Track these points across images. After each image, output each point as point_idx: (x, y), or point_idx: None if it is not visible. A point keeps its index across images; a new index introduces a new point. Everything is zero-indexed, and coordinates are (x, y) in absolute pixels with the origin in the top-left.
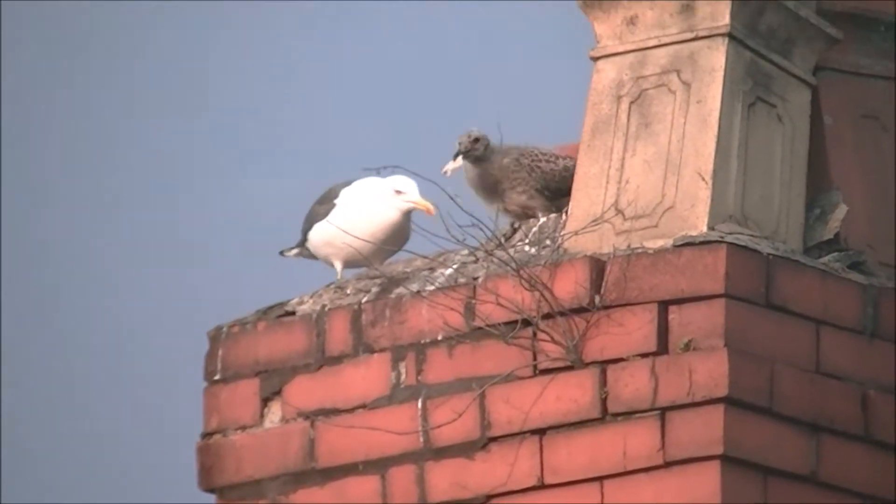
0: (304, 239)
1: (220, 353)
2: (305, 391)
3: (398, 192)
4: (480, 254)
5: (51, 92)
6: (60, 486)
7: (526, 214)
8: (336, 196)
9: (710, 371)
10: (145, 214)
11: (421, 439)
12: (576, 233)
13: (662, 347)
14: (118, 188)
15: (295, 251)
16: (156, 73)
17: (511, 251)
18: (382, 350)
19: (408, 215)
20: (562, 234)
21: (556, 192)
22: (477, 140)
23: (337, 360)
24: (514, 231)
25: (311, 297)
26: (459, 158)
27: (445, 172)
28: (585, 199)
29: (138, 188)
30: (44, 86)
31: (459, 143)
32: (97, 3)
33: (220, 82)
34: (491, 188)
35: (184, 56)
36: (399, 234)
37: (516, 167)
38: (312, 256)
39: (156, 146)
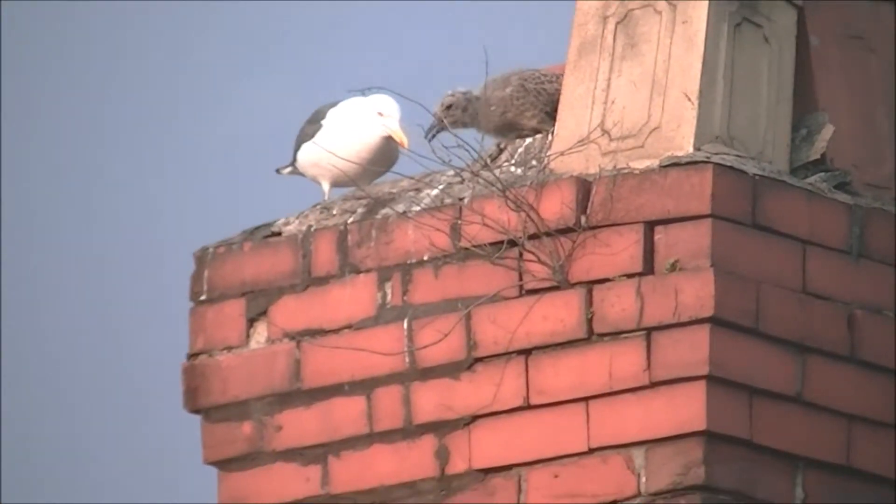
0: (295, 158)
1: (206, 273)
2: (291, 312)
3: (380, 114)
4: (466, 174)
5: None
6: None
7: None
8: (323, 117)
9: (697, 291)
10: (135, 134)
11: (407, 360)
12: (562, 153)
13: (648, 268)
14: (109, 109)
15: (288, 169)
16: (143, 6)
17: (497, 172)
18: (368, 271)
19: (391, 137)
20: (548, 154)
21: None
22: (449, 107)
23: (323, 280)
24: (500, 151)
25: (297, 217)
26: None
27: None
28: (571, 120)
29: (130, 108)
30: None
31: (434, 116)
32: None
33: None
34: (499, 126)
35: None
36: (385, 156)
37: (521, 93)
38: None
39: (149, 64)
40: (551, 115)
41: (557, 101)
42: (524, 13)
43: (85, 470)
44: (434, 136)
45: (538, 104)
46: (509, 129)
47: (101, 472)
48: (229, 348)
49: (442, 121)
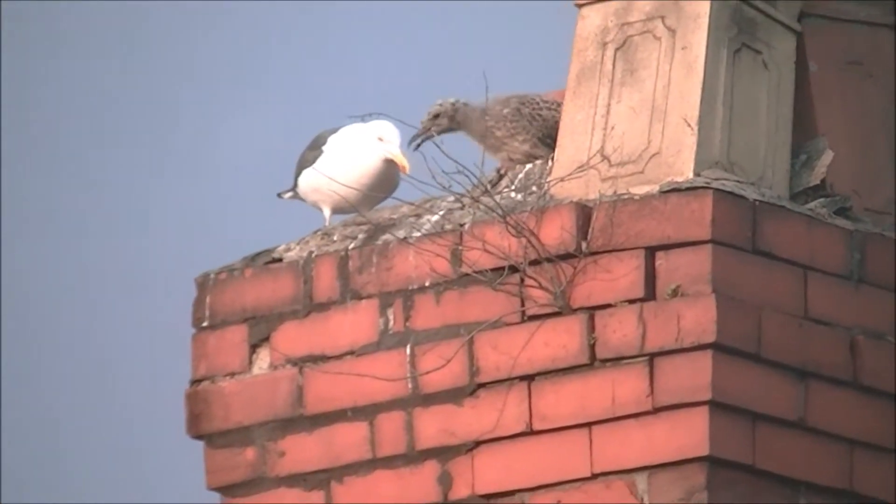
0: (296, 184)
1: (207, 299)
2: (293, 338)
3: (381, 139)
4: (467, 200)
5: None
6: (55, 428)
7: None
8: (324, 143)
9: (698, 317)
10: (136, 160)
11: (409, 386)
12: (562, 179)
13: (650, 293)
14: (106, 136)
15: (289, 194)
16: (139, 29)
17: (497, 197)
18: (370, 297)
19: (392, 162)
20: (548, 180)
21: None
22: (437, 116)
23: (324, 306)
24: (500, 177)
25: (298, 243)
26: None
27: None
28: (571, 146)
29: (125, 136)
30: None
31: (420, 125)
32: None
33: (205, 30)
34: (485, 137)
35: (165, 10)
36: (385, 181)
37: (516, 116)
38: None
39: (140, 94)
40: (544, 140)
41: (553, 128)
42: (520, 27)
43: (85, 471)
44: (419, 144)
45: (531, 129)
46: (496, 146)
47: (102, 472)
48: (232, 374)
49: (428, 129)
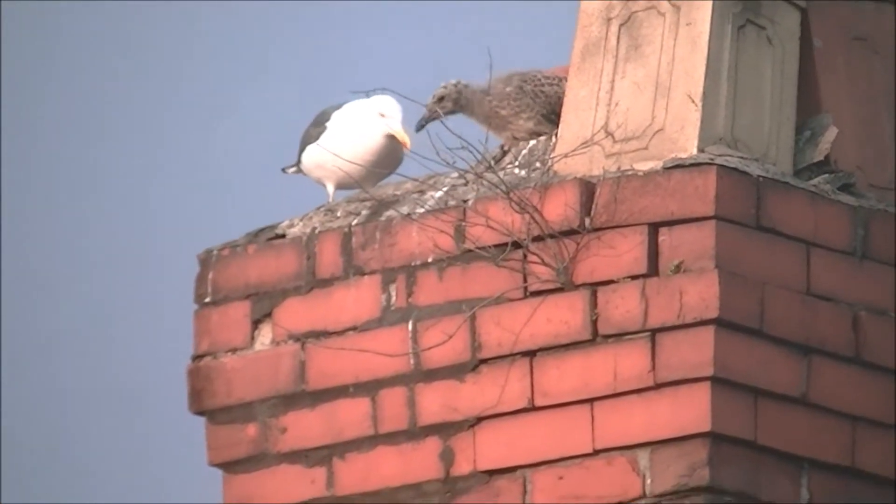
0: (299, 160)
1: (210, 275)
2: (296, 314)
3: (382, 114)
4: (470, 176)
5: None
6: (56, 397)
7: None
8: (328, 119)
9: (701, 293)
10: (139, 138)
11: (411, 361)
12: (566, 155)
13: (653, 269)
14: (111, 113)
15: (293, 169)
16: (146, 6)
17: (501, 173)
18: (372, 273)
19: (394, 138)
20: (552, 156)
21: None
22: (441, 99)
23: (327, 282)
24: (504, 153)
25: (301, 219)
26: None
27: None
28: (575, 122)
29: (127, 114)
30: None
31: (426, 108)
32: None
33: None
34: (490, 118)
35: None
36: (389, 158)
37: (519, 94)
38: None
39: (148, 72)
40: (548, 117)
41: (557, 104)
42: (528, 14)
43: (85, 471)
44: (423, 126)
45: (535, 106)
46: (501, 126)
47: (101, 472)
48: (234, 350)
49: (436, 111)
